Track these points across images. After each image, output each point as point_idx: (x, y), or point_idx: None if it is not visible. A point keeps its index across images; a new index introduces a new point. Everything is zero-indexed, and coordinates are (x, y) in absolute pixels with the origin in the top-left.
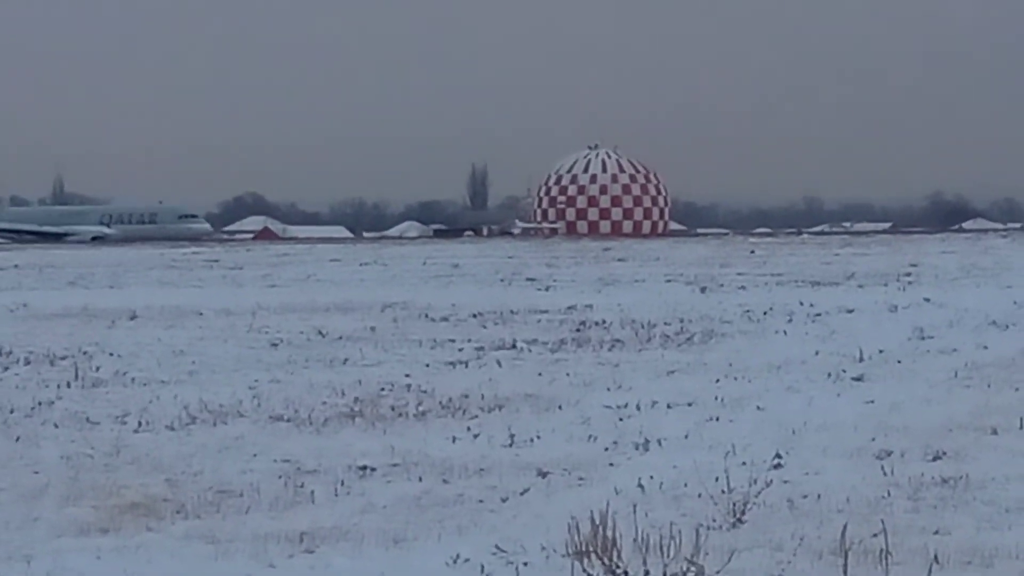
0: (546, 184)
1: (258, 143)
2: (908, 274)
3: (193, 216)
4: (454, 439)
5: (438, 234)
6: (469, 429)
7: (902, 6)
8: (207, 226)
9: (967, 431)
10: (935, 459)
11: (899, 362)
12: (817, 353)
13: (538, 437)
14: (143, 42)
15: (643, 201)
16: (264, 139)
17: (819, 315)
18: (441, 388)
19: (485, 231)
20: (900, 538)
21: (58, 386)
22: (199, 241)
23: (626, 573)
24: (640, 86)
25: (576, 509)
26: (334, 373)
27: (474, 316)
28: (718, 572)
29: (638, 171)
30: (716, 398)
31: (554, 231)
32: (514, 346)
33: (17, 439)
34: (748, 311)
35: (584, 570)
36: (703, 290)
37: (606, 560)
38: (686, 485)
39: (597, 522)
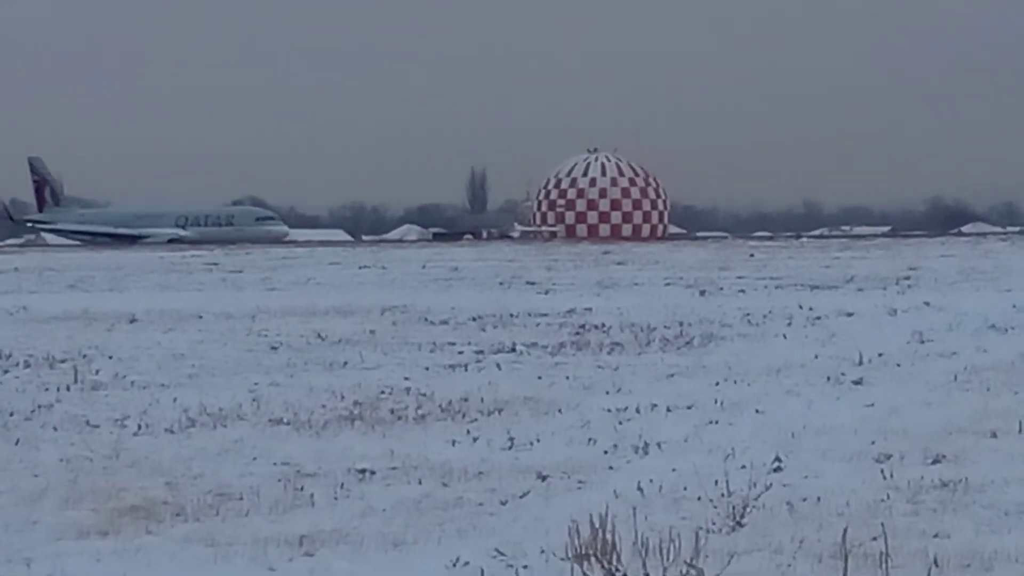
0: (545, 187)
1: (257, 147)
2: (907, 278)
3: (271, 218)
4: (454, 442)
5: (437, 237)
6: (468, 432)
7: (902, 9)
8: (285, 228)
9: (966, 435)
10: (934, 462)
11: (898, 365)
12: (816, 356)
13: (537, 440)
14: (143, 45)
15: (642, 204)
16: (263, 143)
17: (818, 318)
18: (440, 391)
19: (484, 234)
20: (900, 541)
21: (57, 389)
22: (279, 244)
23: None
24: (640, 90)
25: (576, 512)
26: (333, 376)
27: (473, 319)
28: (717, 575)
29: (637, 174)
30: (715, 401)
31: (553, 234)
32: (513, 349)
33: (17, 442)
34: (747, 314)
35: (584, 573)
36: (702, 293)
37: (606, 563)
38: (685, 488)
39: (597, 525)
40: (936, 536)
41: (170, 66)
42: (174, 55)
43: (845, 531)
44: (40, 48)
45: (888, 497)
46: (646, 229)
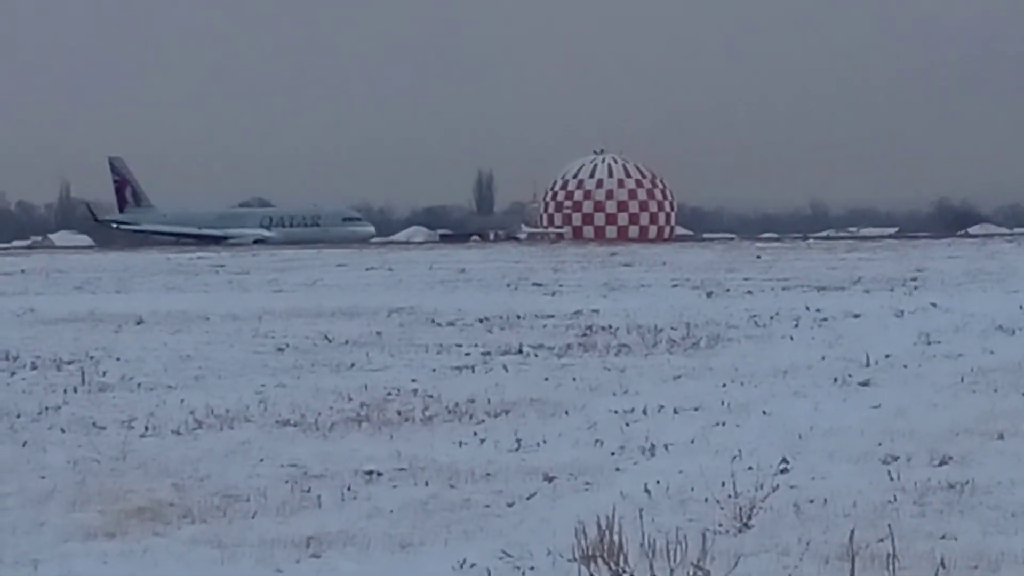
0: (552, 189)
1: (263, 148)
2: (914, 279)
3: (357, 219)
4: (460, 444)
5: (444, 239)
6: (475, 434)
7: (908, 11)
8: (371, 228)
9: (973, 436)
10: (941, 464)
11: (905, 367)
12: (823, 358)
13: (544, 442)
14: (148, 46)
15: (649, 206)
16: (270, 144)
17: (825, 320)
18: (447, 393)
19: (491, 236)
20: (907, 543)
21: (64, 391)
22: (364, 244)
23: None
24: (646, 91)
25: (582, 514)
26: (340, 378)
27: (480, 321)
28: None
29: (644, 176)
30: (722, 403)
31: (560, 236)
32: (520, 351)
33: (24, 444)
34: (754, 316)
35: (590, 575)
36: (709, 295)
37: (612, 565)
38: (692, 490)
39: (603, 527)
40: (943, 537)
41: (176, 67)
42: (179, 55)
43: (852, 532)
44: (44, 50)
45: (895, 498)
46: (653, 231)
